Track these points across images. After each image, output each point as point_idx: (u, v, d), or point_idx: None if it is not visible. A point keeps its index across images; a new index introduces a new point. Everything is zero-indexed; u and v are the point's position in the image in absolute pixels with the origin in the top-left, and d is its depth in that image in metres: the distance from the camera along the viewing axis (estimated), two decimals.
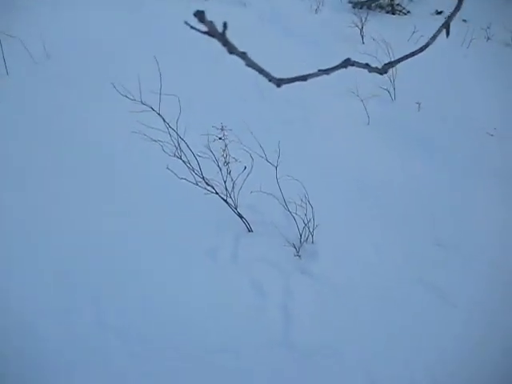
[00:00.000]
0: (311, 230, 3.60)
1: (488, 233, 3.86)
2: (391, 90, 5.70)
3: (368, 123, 5.14)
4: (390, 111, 5.55)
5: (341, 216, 3.87)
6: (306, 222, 3.56)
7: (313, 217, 3.57)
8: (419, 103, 5.58)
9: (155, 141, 3.54)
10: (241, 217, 3.71)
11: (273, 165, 3.52)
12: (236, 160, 3.60)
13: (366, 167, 4.38)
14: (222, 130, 3.43)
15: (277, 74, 1.11)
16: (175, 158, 3.56)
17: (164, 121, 3.52)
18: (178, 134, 3.56)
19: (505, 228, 3.92)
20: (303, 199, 3.57)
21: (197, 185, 3.60)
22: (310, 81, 1.14)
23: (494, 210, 4.11)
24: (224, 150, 3.55)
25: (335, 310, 3.30)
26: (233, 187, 3.68)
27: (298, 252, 3.55)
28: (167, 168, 3.60)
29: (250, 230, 3.76)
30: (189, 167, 3.59)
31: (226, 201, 3.65)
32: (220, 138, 3.45)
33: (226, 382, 2.95)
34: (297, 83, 1.13)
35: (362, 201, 4.06)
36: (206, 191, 3.63)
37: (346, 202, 4.00)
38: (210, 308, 3.31)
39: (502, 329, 3.20)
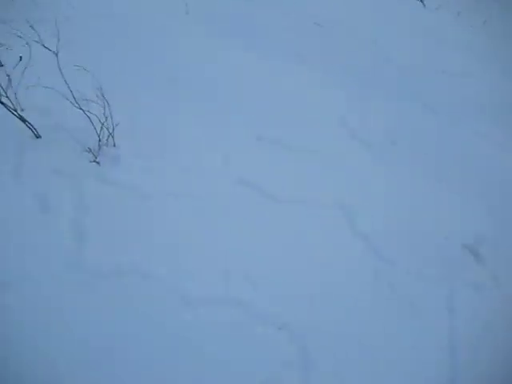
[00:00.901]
0: (111, 131, 3.03)
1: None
2: None
3: (187, 12, 4.54)
4: None
5: (149, 112, 3.31)
6: (103, 122, 2.97)
7: (111, 115, 2.98)
8: None
9: None
10: (23, 120, 3.00)
11: (53, 52, 2.82)
12: (6, 48, 2.85)
13: (181, 58, 3.82)
14: None
15: None
16: None
17: None
18: None
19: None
20: (98, 94, 2.95)
21: None
22: None
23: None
24: None
25: (141, 224, 2.80)
26: (8, 84, 2.94)
27: (95, 158, 2.97)
28: None
29: (37, 136, 3.07)
30: None
31: (0, 101, 2.91)
32: None
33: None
34: None
35: (173, 95, 3.51)
36: None
37: (155, 96, 3.43)
38: None
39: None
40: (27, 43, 2.91)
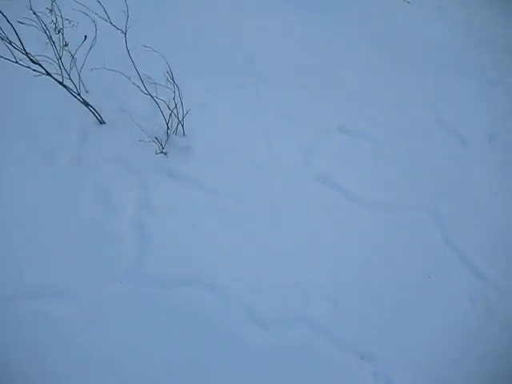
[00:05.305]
0: (180, 119, 2.75)
1: None
2: None
3: None
4: None
5: (222, 99, 3.01)
6: (173, 108, 2.70)
7: (181, 101, 2.71)
8: None
9: None
10: (87, 105, 2.77)
11: (121, 31, 2.54)
12: (72, 25, 2.60)
13: (259, 38, 3.48)
14: None
15: None
16: None
17: None
18: None
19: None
20: (168, 78, 2.67)
21: (17, 63, 2.58)
22: None
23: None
24: (51, 11, 2.52)
25: (210, 229, 2.52)
26: (72, 65, 2.71)
27: (163, 148, 2.71)
28: None
29: (101, 122, 2.84)
30: (3, 38, 2.54)
31: (62, 84, 2.67)
32: None
33: None
34: None
35: (249, 79, 3.19)
36: (34, 72, 2.62)
37: (229, 81, 3.13)
38: (42, 227, 2.44)
39: None
40: (93, 21, 2.65)
